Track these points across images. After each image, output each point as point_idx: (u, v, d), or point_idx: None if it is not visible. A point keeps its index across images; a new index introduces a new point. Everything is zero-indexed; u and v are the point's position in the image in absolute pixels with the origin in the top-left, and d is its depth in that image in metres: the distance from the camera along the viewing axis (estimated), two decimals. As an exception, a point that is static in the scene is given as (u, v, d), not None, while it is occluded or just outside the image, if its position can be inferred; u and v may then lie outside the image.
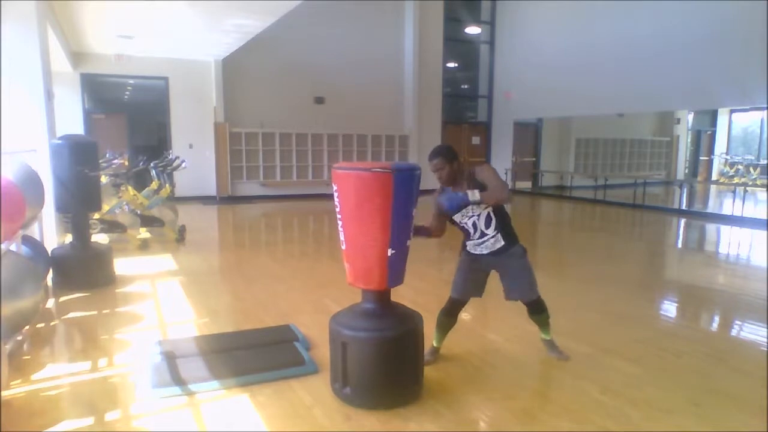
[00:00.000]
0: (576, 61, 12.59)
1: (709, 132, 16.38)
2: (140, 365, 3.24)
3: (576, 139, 15.57)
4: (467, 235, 3.17)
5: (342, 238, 2.74)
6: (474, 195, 2.88)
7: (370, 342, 2.70)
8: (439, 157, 3.01)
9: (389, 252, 2.64)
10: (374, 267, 2.68)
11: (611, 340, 3.77)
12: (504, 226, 3.13)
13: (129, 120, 12.94)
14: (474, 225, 3.11)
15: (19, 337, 3.46)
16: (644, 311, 4.65)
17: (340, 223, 2.72)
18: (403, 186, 2.61)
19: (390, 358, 2.70)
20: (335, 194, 2.70)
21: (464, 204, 2.94)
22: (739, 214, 10.01)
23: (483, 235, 3.11)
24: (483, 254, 3.16)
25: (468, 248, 3.21)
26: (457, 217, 3.12)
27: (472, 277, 3.23)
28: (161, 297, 4.84)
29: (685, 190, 13.75)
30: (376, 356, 2.70)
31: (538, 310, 3.32)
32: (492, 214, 3.08)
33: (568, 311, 4.50)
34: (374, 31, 13.82)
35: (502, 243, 3.11)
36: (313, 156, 13.39)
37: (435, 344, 3.34)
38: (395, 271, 2.72)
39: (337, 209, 2.70)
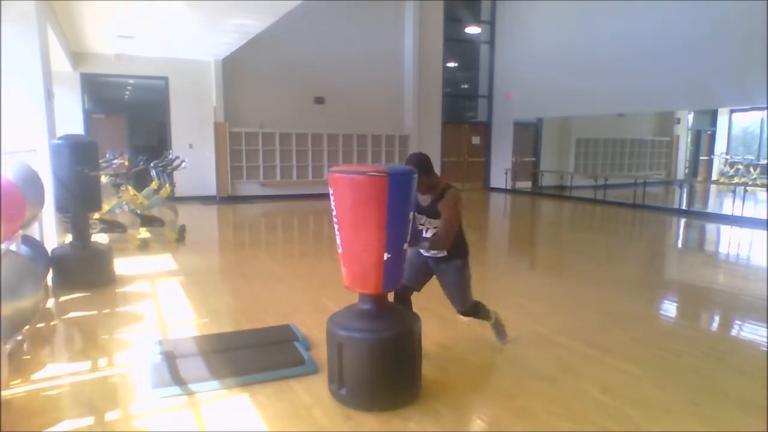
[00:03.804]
0: (576, 61, 12.60)
1: (709, 132, 16.37)
2: (140, 365, 3.24)
3: (576, 139, 15.57)
4: (418, 233, 3.26)
5: (338, 241, 2.74)
6: (424, 245, 3.09)
7: (366, 343, 2.69)
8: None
9: (385, 256, 2.63)
10: (370, 271, 2.67)
11: (611, 340, 3.78)
12: (455, 243, 3.17)
13: (129, 120, 12.95)
14: (421, 233, 3.23)
15: (19, 337, 3.46)
16: (644, 311, 4.65)
17: (336, 226, 2.72)
18: (399, 190, 2.59)
19: (386, 359, 2.69)
20: (331, 197, 2.69)
21: (416, 246, 3.09)
22: (739, 214, 10.01)
23: None
24: (427, 256, 3.27)
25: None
26: (419, 218, 3.22)
27: (417, 266, 3.30)
28: (161, 297, 4.84)
29: (685, 190, 13.75)
30: (372, 357, 2.70)
31: (472, 314, 3.43)
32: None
33: (568, 311, 4.51)
34: (374, 31, 13.82)
35: (444, 253, 3.18)
36: (313, 156, 13.40)
37: None
38: (391, 275, 2.71)
39: (334, 212, 2.70)
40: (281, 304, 4.60)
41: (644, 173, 15.46)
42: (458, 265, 3.24)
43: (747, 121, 16.25)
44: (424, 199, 3.15)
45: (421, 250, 3.24)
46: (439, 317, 4.14)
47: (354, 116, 13.63)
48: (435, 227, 3.15)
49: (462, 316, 3.45)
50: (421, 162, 3.08)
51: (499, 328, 3.61)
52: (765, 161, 14.78)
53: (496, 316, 3.59)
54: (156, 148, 12.30)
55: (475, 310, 3.42)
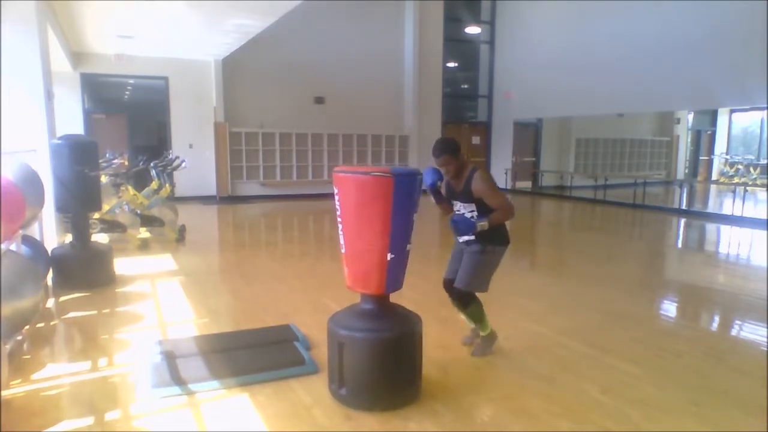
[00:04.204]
0: (576, 60, 12.59)
1: (709, 132, 16.38)
2: (140, 365, 3.24)
3: (576, 139, 15.58)
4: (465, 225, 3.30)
5: (342, 241, 2.74)
6: (483, 225, 3.06)
7: (367, 343, 2.69)
8: (444, 154, 3.13)
9: (388, 257, 2.63)
10: (373, 271, 2.67)
11: (611, 340, 3.78)
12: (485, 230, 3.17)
13: (129, 120, 12.94)
14: (463, 217, 3.25)
15: (19, 337, 3.45)
16: (644, 311, 4.65)
17: (340, 226, 2.72)
18: (404, 191, 2.60)
19: (386, 359, 2.69)
20: (336, 197, 2.69)
21: (473, 231, 3.09)
22: (739, 214, 10.01)
23: None
24: (460, 241, 3.33)
25: None
26: (455, 204, 3.31)
27: (456, 259, 3.39)
28: (161, 297, 4.84)
29: (685, 189, 13.76)
30: (372, 357, 2.70)
31: (462, 303, 3.33)
32: (475, 216, 3.17)
33: (568, 311, 4.51)
34: (374, 31, 13.82)
35: (473, 237, 3.19)
36: (313, 156, 13.40)
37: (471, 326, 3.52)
38: (394, 275, 2.71)
39: (338, 212, 2.70)
40: (281, 304, 4.60)
41: (644, 173, 15.46)
42: (480, 248, 3.20)
43: (747, 121, 16.26)
44: (456, 184, 3.21)
45: (459, 239, 3.27)
46: (439, 318, 4.14)
47: (354, 116, 13.63)
48: (470, 211, 3.18)
49: (457, 299, 3.34)
50: (450, 145, 3.14)
51: (487, 344, 3.44)
52: (765, 161, 14.78)
53: (493, 333, 3.45)
54: (156, 148, 12.28)
55: (467, 300, 3.29)
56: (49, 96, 5.94)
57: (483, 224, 3.06)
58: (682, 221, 10.43)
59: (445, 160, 3.13)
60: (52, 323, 4.15)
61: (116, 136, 12.22)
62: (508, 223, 3.31)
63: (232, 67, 12.07)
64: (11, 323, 3.12)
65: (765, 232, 8.72)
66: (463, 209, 3.22)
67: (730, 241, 8.81)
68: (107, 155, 8.38)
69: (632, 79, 11.38)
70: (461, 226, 3.09)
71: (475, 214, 3.18)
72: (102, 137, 10.03)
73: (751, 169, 14.93)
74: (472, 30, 15.39)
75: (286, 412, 2.73)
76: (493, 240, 3.21)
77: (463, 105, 16.22)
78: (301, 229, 9.84)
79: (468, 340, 3.58)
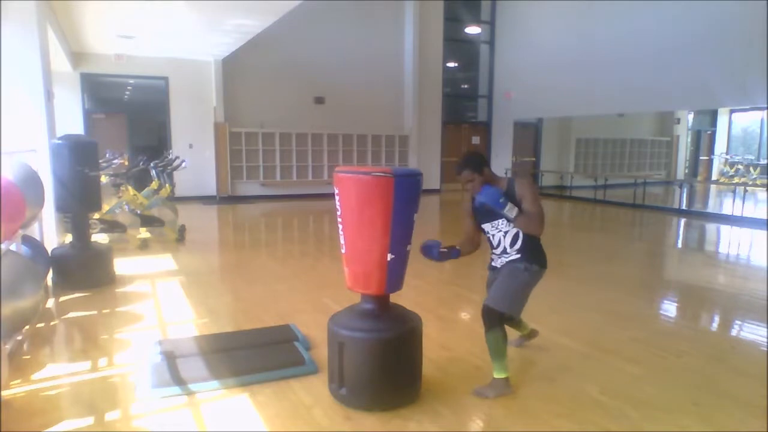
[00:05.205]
0: (576, 60, 12.59)
1: (709, 132, 16.39)
2: (140, 365, 3.23)
3: (576, 139, 15.58)
4: (491, 246, 3.09)
5: (342, 241, 2.74)
6: (511, 210, 2.77)
7: (367, 342, 2.69)
8: (466, 169, 2.87)
9: (389, 257, 2.63)
10: (373, 272, 2.67)
11: (611, 340, 3.78)
12: (529, 248, 2.95)
13: (129, 120, 12.95)
14: (499, 241, 3.02)
15: (19, 337, 3.46)
16: (644, 311, 4.65)
17: (340, 226, 2.72)
18: (405, 191, 2.59)
19: (386, 359, 2.69)
20: (336, 197, 2.69)
21: (497, 206, 2.76)
22: (739, 214, 10.01)
23: (505, 251, 3.00)
24: (499, 267, 3.07)
25: (492, 260, 3.13)
26: (487, 227, 3.03)
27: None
28: (161, 297, 4.84)
29: (685, 190, 13.77)
30: (372, 357, 2.69)
31: (485, 324, 2.91)
32: (521, 234, 2.93)
33: (568, 311, 4.51)
34: (374, 31, 13.83)
35: (518, 257, 2.96)
36: (313, 156, 13.40)
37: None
38: (394, 276, 2.71)
39: (338, 212, 2.70)
40: (281, 304, 4.60)
41: (644, 173, 15.48)
42: (522, 266, 2.92)
43: (747, 121, 16.27)
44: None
45: (498, 260, 3.03)
46: (439, 317, 4.14)
47: (354, 116, 13.63)
48: (505, 226, 2.93)
49: (482, 317, 2.94)
50: (472, 159, 2.88)
51: (493, 389, 2.89)
52: (765, 161, 14.79)
53: (508, 383, 2.91)
54: (156, 148, 12.30)
55: (491, 322, 2.88)
56: (49, 96, 5.94)
57: (511, 208, 2.75)
58: (682, 221, 10.43)
59: (466, 176, 2.86)
60: (52, 323, 4.15)
61: (116, 136, 12.24)
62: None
63: (232, 67, 12.07)
64: (11, 323, 3.12)
65: (765, 232, 8.72)
66: (500, 228, 2.95)
67: (730, 241, 8.81)
68: (107, 155, 8.40)
69: (632, 79, 11.38)
70: (489, 190, 2.74)
71: (520, 241, 2.91)
72: (102, 137, 10.02)
73: (751, 169, 14.94)
74: (472, 30, 15.39)
75: (286, 412, 2.73)
76: (537, 259, 2.96)
77: (463, 105, 16.22)
78: (301, 229, 9.83)
79: (479, 393, 2.92)
